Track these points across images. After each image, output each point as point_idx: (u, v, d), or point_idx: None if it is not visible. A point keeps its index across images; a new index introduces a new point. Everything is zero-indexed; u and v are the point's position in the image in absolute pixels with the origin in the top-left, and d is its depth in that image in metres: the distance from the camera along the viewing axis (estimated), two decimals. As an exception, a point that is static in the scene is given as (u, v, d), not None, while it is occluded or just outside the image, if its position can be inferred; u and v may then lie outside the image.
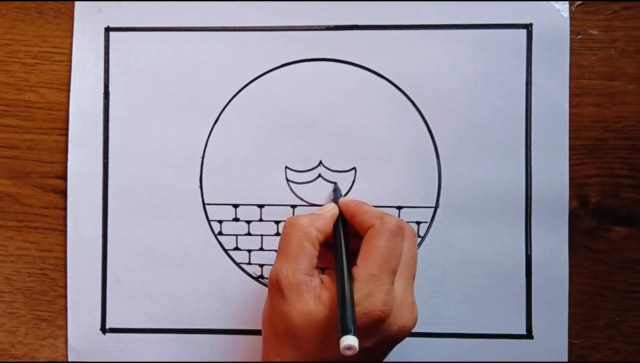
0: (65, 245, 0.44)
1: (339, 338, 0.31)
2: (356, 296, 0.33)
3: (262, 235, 0.44)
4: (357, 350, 0.31)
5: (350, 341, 0.31)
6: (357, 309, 0.33)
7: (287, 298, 0.34)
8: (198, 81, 0.44)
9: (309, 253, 0.36)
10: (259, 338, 0.43)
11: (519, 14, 0.43)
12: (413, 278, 0.37)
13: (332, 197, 0.43)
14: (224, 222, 0.44)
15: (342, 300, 0.33)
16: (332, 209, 0.39)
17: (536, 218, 0.43)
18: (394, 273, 0.35)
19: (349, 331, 0.31)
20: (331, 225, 0.38)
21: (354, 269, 0.35)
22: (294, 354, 0.35)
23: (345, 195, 0.43)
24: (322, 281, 0.36)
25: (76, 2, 0.44)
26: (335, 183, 0.43)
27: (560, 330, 0.43)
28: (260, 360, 0.43)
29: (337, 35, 0.43)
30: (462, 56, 0.43)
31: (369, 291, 0.33)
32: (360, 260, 0.35)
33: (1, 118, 0.45)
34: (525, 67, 0.43)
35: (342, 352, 0.31)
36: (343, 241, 0.37)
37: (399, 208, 0.43)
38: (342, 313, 0.32)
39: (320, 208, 0.40)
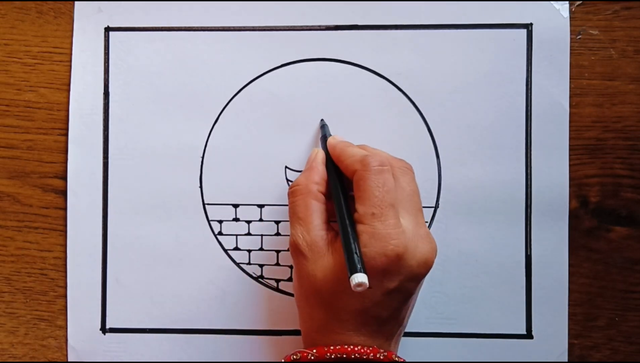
0: (65, 245, 0.44)
1: (349, 279, 0.31)
2: (363, 237, 0.33)
3: (262, 235, 0.44)
4: (367, 285, 0.30)
5: (359, 278, 0.31)
6: (369, 249, 0.33)
7: (309, 258, 0.35)
8: (198, 81, 0.44)
9: (317, 209, 0.36)
10: (259, 338, 0.43)
11: (519, 14, 0.43)
12: (420, 211, 0.36)
13: (320, 135, 0.42)
14: (224, 222, 0.44)
15: (346, 241, 0.33)
16: (318, 155, 0.39)
17: (536, 218, 0.43)
18: (394, 207, 0.34)
19: (356, 270, 0.31)
20: (325, 170, 0.39)
21: (355, 215, 0.35)
22: (324, 311, 0.35)
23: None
24: (335, 234, 0.36)
25: (76, 2, 0.44)
26: (322, 120, 0.43)
27: (560, 330, 0.43)
28: (260, 360, 0.43)
29: (337, 35, 0.43)
30: (462, 56, 0.43)
31: (375, 230, 0.33)
32: (357, 205, 0.35)
33: (1, 118, 0.45)
34: (525, 67, 0.43)
35: (353, 290, 0.31)
36: (338, 184, 0.37)
37: (399, 208, 0.43)
38: (348, 254, 0.32)
39: (308, 157, 0.40)
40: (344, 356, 0.34)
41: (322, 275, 0.35)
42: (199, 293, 0.44)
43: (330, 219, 0.37)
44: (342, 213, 0.35)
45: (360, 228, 0.34)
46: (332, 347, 0.34)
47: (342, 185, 0.37)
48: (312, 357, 0.34)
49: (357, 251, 0.32)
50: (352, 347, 0.34)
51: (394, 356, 0.34)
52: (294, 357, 0.35)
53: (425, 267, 0.34)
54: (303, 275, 0.36)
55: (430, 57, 0.43)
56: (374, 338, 0.35)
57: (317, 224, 0.36)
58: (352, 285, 0.31)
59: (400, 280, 0.34)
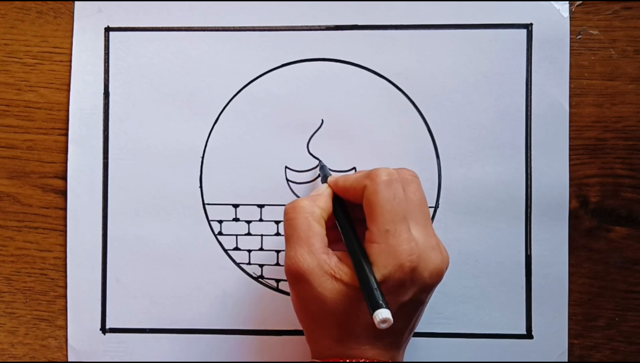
0: (65, 245, 0.44)
1: (371, 315, 0.31)
2: (381, 258, 0.33)
3: (262, 235, 0.44)
4: (392, 321, 0.30)
5: (383, 314, 0.30)
6: (387, 269, 0.33)
7: (313, 282, 0.34)
8: (198, 81, 0.44)
9: (319, 232, 0.35)
10: (259, 338, 0.43)
11: (519, 14, 0.43)
12: (429, 220, 0.36)
13: (321, 176, 0.42)
14: (224, 222, 0.44)
15: (363, 277, 0.32)
16: (327, 189, 0.38)
17: (536, 218, 0.43)
18: (406, 220, 0.34)
19: (379, 306, 0.31)
20: (331, 203, 0.37)
21: (367, 234, 0.34)
22: (337, 330, 0.34)
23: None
24: (338, 258, 0.35)
25: (76, 2, 0.44)
26: (319, 161, 0.43)
27: (560, 330, 0.43)
28: (260, 360, 0.43)
29: (337, 35, 0.43)
30: (462, 56, 0.43)
31: (390, 248, 0.33)
32: (369, 223, 0.34)
33: (1, 118, 0.45)
34: (525, 67, 0.43)
35: (378, 327, 0.30)
36: (346, 218, 0.36)
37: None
38: (367, 290, 0.32)
39: (315, 190, 0.39)
40: None
41: (333, 298, 0.34)
42: (199, 293, 0.44)
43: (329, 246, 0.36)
44: (354, 245, 0.34)
45: (375, 248, 0.33)
46: (348, 360, 0.34)
47: (349, 218, 0.37)
48: None
49: (377, 287, 0.32)
50: (369, 360, 0.34)
51: None
52: None
53: (437, 277, 0.34)
54: (308, 299, 0.34)
55: (430, 57, 0.43)
56: (388, 350, 0.35)
57: (318, 247, 0.34)
58: (376, 322, 0.30)
59: (414, 292, 0.34)
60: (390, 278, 0.33)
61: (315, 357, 0.37)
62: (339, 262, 0.34)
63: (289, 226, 0.35)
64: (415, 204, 0.35)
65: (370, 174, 0.35)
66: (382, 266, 0.33)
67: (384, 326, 0.30)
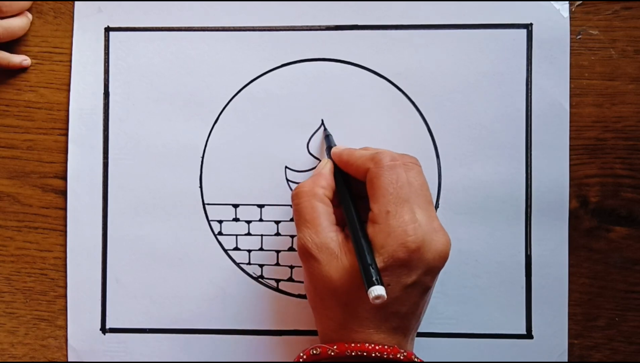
0: (65, 245, 0.44)
1: (366, 291, 0.31)
2: (380, 237, 0.33)
3: (262, 235, 0.44)
4: (385, 297, 0.31)
5: (377, 291, 0.31)
6: (387, 248, 0.33)
7: (321, 260, 0.35)
8: (198, 81, 0.44)
9: (324, 211, 0.36)
10: (259, 338, 0.43)
11: (519, 14, 0.43)
12: (431, 203, 0.36)
13: (325, 146, 0.43)
14: (224, 222, 0.44)
15: (360, 253, 0.33)
16: (327, 164, 0.39)
17: (536, 218, 0.43)
18: (408, 202, 0.34)
19: (373, 282, 0.31)
20: (332, 179, 0.38)
21: (370, 214, 0.35)
22: (342, 312, 0.35)
23: None
24: (346, 235, 0.36)
25: (76, 2, 0.44)
26: (325, 128, 0.43)
27: (560, 330, 0.43)
28: (260, 360, 0.43)
29: (337, 35, 0.43)
30: (462, 56, 0.43)
31: (391, 229, 0.33)
32: (372, 204, 0.35)
33: (1, 118, 0.45)
34: (525, 67, 0.43)
35: (372, 302, 0.31)
36: (348, 193, 0.37)
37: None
38: (363, 266, 0.32)
39: (316, 167, 0.40)
40: (364, 354, 0.34)
41: (338, 276, 0.34)
42: (199, 293, 0.44)
43: (338, 224, 0.37)
44: (354, 223, 0.35)
45: (375, 228, 0.34)
46: (352, 344, 0.34)
47: (351, 194, 0.37)
48: (332, 353, 0.34)
49: (373, 263, 0.32)
50: (373, 345, 0.34)
51: (413, 357, 0.34)
52: (314, 351, 0.35)
53: (441, 260, 0.35)
54: (316, 277, 0.35)
55: (430, 57, 0.43)
56: (394, 335, 0.35)
57: (325, 226, 0.35)
58: (370, 297, 0.31)
59: (418, 274, 0.34)
60: (392, 258, 0.33)
61: (322, 340, 0.37)
62: (345, 240, 0.35)
63: (296, 212, 0.37)
64: (417, 188, 0.35)
65: (374, 158, 0.36)
66: (379, 246, 0.33)
67: (377, 302, 0.31)
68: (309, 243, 0.35)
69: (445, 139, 0.43)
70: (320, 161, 0.43)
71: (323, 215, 0.36)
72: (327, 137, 0.42)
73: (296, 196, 0.37)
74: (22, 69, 0.44)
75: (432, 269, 0.35)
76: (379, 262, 0.33)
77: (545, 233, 0.43)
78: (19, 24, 0.43)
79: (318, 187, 0.37)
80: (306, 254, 0.35)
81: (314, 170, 0.39)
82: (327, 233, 0.35)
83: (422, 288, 0.35)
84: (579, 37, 0.43)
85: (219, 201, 0.44)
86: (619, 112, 0.43)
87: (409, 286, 0.34)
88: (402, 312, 0.34)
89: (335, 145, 0.41)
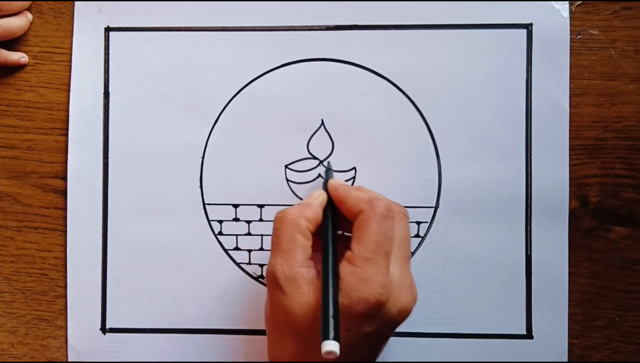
0: (65, 245, 0.44)
1: (321, 343, 0.31)
2: (352, 279, 0.33)
3: (262, 235, 0.44)
4: (338, 354, 0.31)
5: (330, 347, 0.31)
6: (355, 294, 0.33)
7: (287, 293, 0.34)
8: (198, 81, 0.44)
9: (302, 245, 0.35)
10: (258, 338, 0.43)
11: (519, 14, 0.43)
12: (408, 259, 0.36)
13: (323, 179, 0.42)
14: (224, 222, 0.44)
15: (325, 302, 0.33)
16: (319, 197, 0.38)
17: (536, 218, 0.43)
18: (388, 255, 0.34)
19: (329, 337, 0.31)
20: (321, 213, 0.37)
21: (348, 253, 0.34)
22: (297, 347, 0.35)
23: None
24: (318, 272, 0.35)
25: (76, 2, 0.44)
26: (328, 162, 0.43)
27: (560, 330, 0.43)
28: (260, 360, 0.43)
29: (337, 35, 0.43)
30: (462, 56, 0.43)
31: (365, 276, 0.33)
32: (354, 245, 0.35)
33: (1, 118, 0.45)
34: (525, 67, 0.43)
35: (323, 356, 0.31)
36: (330, 237, 0.36)
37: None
38: (324, 316, 0.32)
39: (309, 196, 0.39)
40: None
41: (301, 312, 0.34)
42: (199, 293, 0.44)
43: (312, 257, 0.36)
44: (327, 267, 0.34)
45: (350, 269, 0.34)
46: None
47: (334, 235, 0.37)
48: None
49: (335, 316, 0.32)
50: None
51: None
52: None
53: (403, 316, 0.35)
54: (278, 307, 0.35)
55: (430, 57, 0.43)
56: None
57: (299, 259, 0.35)
58: (322, 351, 0.31)
59: (379, 325, 0.34)
60: (359, 304, 0.33)
61: None
62: (316, 277, 0.35)
63: (274, 236, 0.36)
64: (400, 241, 0.35)
65: (371, 202, 0.35)
66: (350, 288, 0.33)
67: (329, 357, 0.31)
68: (278, 272, 0.34)
69: (445, 139, 0.43)
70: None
71: (300, 249, 0.35)
72: (328, 171, 0.42)
73: (279, 221, 0.36)
74: (22, 70, 0.44)
75: (394, 323, 0.35)
76: (345, 300, 0.33)
77: (545, 233, 0.43)
78: (18, 23, 0.43)
79: (303, 219, 0.36)
80: (273, 283, 0.35)
81: (307, 196, 0.39)
82: (298, 268, 0.35)
83: (379, 338, 0.35)
84: (579, 37, 0.43)
85: (219, 201, 0.44)
86: (619, 112, 0.43)
87: (369, 335, 0.34)
88: (356, 357, 0.34)
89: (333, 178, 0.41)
